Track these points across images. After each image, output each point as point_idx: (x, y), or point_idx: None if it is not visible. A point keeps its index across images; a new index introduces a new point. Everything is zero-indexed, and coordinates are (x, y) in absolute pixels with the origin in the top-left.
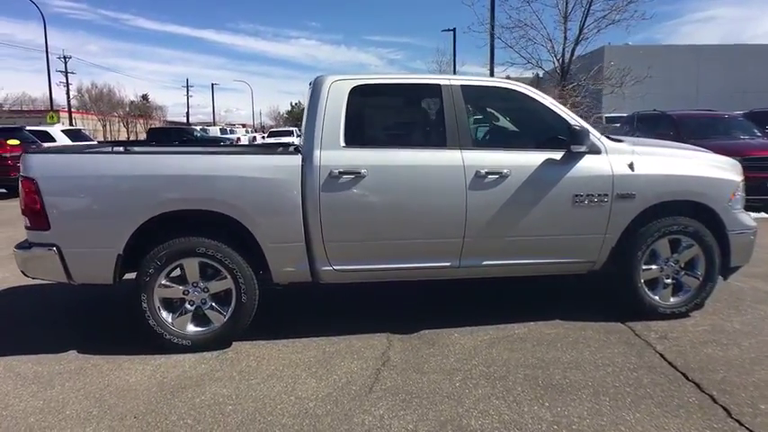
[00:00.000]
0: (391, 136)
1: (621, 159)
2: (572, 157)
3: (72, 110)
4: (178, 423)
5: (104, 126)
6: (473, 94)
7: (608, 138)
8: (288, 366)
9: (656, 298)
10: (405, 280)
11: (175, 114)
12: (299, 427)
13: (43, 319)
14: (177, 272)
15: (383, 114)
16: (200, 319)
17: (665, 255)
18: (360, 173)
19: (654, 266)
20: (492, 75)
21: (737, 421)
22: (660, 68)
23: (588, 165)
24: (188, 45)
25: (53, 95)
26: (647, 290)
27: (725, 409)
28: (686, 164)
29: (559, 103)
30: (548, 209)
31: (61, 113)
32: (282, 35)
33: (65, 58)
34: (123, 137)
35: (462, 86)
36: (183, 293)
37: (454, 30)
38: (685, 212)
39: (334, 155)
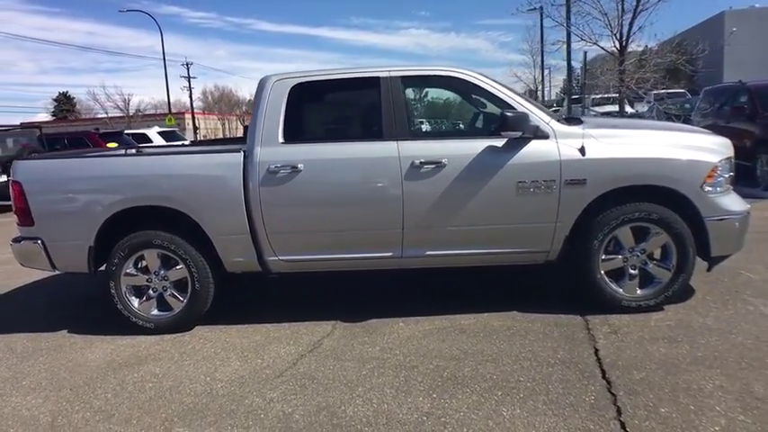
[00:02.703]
0: (330, 131)
1: (571, 143)
2: (515, 144)
3: (195, 111)
4: (100, 396)
5: (223, 125)
6: (414, 84)
7: (564, 120)
8: (226, 350)
9: (620, 290)
10: (352, 270)
11: None
12: (193, 405)
13: (54, 304)
14: (143, 262)
15: (323, 110)
16: (163, 304)
17: (629, 244)
18: (296, 167)
19: (618, 256)
20: (568, 52)
21: (621, 423)
22: None
23: (533, 150)
24: (305, 43)
25: (183, 99)
26: (608, 281)
27: (618, 409)
28: (646, 146)
29: (620, 79)
30: (490, 197)
31: (186, 115)
32: (392, 27)
33: (187, 64)
34: (240, 133)
35: (402, 77)
36: (147, 281)
37: (541, 8)
38: (656, 198)
39: (273, 151)
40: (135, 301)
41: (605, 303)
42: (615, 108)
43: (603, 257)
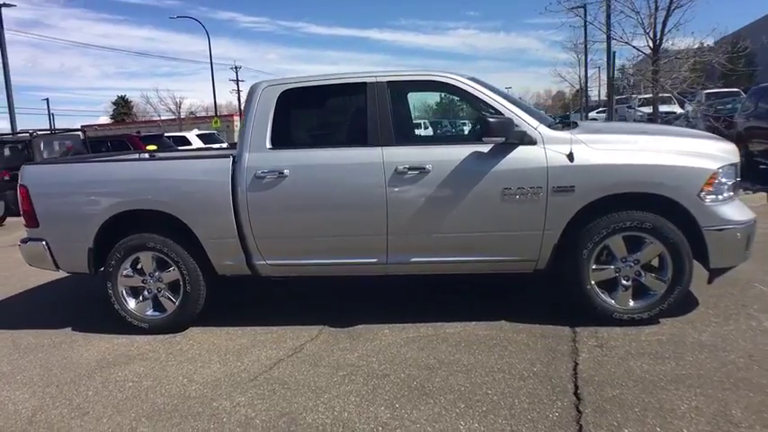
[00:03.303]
0: (316, 136)
1: (559, 149)
2: (501, 150)
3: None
4: (82, 393)
5: None
6: (401, 90)
7: (558, 125)
8: (210, 352)
9: (612, 302)
10: (339, 275)
11: None
12: (164, 406)
13: (66, 302)
14: (140, 264)
15: (310, 116)
16: (158, 305)
17: (622, 254)
18: (282, 173)
19: (610, 267)
20: (608, 49)
21: None
22: None
23: (519, 156)
24: (354, 45)
25: (234, 102)
26: (599, 292)
27: (580, 428)
28: (638, 152)
29: (653, 79)
30: (474, 204)
31: (234, 117)
32: (441, 27)
33: (236, 67)
34: None
35: (389, 82)
36: (143, 282)
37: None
38: (653, 207)
39: (260, 156)
40: (131, 302)
41: (596, 315)
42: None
43: (594, 267)
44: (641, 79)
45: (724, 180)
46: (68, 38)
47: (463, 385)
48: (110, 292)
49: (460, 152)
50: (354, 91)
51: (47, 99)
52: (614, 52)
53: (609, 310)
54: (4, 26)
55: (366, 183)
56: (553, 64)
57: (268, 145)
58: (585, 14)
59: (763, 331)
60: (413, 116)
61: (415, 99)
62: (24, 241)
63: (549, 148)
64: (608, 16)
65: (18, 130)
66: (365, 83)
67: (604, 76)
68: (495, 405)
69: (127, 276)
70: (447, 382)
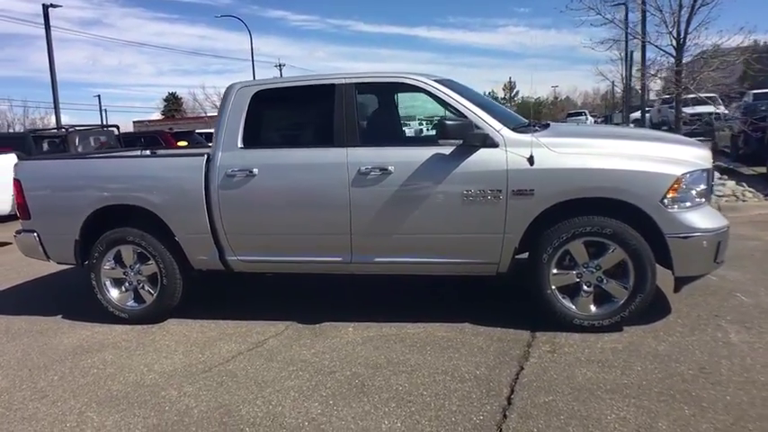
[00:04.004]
0: (286, 137)
1: (520, 152)
2: (462, 152)
3: None
4: (48, 377)
5: None
6: (368, 91)
7: (520, 128)
8: (178, 343)
9: (573, 307)
10: (307, 273)
11: None
12: (117, 393)
13: (66, 291)
14: (123, 257)
15: (281, 116)
16: (138, 297)
17: (583, 259)
18: (252, 172)
19: (572, 272)
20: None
21: None
22: None
23: (480, 159)
24: (402, 43)
25: None
26: (560, 297)
27: (499, 431)
28: (600, 156)
29: (676, 80)
30: (435, 206)
31: None
32: (489, 24)
33: (280, 65)
34: None
35: (356, 84)
36: (124, 274)
37: (626, 4)
38: (617, 212)
39: (232, 155)
40: (114, 293)
41: (556, 320)
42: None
43: (555, 272)
44: (664, 79)
45: (691, 186)
46: (126, 36)
47: (402, 385)
48: (93, 282)
49: (422, 154)
50: (324, 92)
51: (98, 95)
52: (632, 51)
53: (569, 316)
54: (67, 26)
55: (330, 183)
56: (599, 62)
57: (239, 144)
58: (626, 14)
59: (725, 344)
60: (376, 117)
61: (381, 100)
62: (19, 232)
63: (511, 151)
64: (626, 14)
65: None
66: (334, 84)
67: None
68: (424, 406)
69: (110, 268)
70: (388, 382)
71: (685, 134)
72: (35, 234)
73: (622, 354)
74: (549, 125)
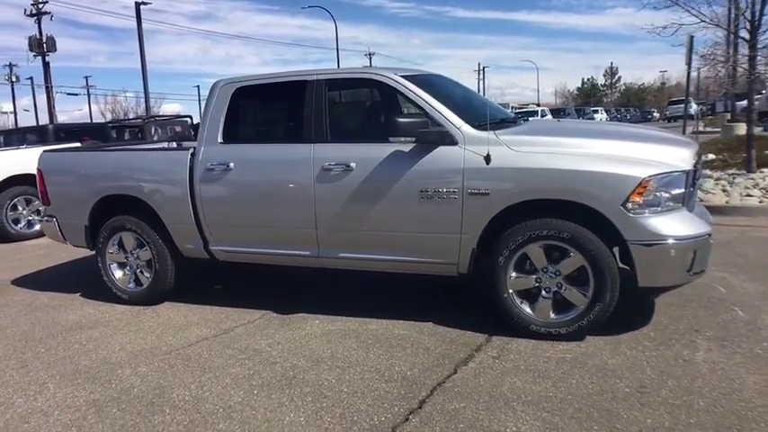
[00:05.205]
0: (261, 132)
1: (478, 150)
2: (421, 150)
3: None
4: (36, 349)
5: None
6: (338, 88)
7: (482, 125)
8: (160, 325)
9: (531, 313)
10: (280, 264)
11: None
12: (83, 368)
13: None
14: (124, 243)
15: (258, 112)
16: (137, 280)
17: (541, 264)
18: (228, 166)
19: (531, 276)
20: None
21: None
22: None
23: (437, 157)
24: (500, 28)
25: None
26: (518, 302)
27: None
28: (560, 156)
29: (750, 66)
30: (393, 203)
31: None
32: (596, 6)
33: (370, 54)
34: None
35: (326, 80)
36: (126, 259)
37: None
38: (581, 216)
39: (213, 150)
40: (118, 274)
41: (513, 325)
42: None
43: (514, 275)
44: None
45: (662, 189)
46: (234, 27)
47: (329, 381)
48: (99, 265)
49: (383, 151)
50: (297, 89)
51: (197, 86)
52: (691, 36)
53: (526, 322)
54: (178, 21)
55: (298, 178)
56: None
57: (220, 139)
58: None
59: (685, 362)
60: (345, 114)
61: (350, 97)
62: (43, 218)
63: (468, 149)
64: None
65: (140, 116)
66: (305, 81)
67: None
68: (336, 403)
69: (113, 253)
70: (318, 377)
71: None
72: (54, 219)
73: (566, 365)
74: (527, 120)
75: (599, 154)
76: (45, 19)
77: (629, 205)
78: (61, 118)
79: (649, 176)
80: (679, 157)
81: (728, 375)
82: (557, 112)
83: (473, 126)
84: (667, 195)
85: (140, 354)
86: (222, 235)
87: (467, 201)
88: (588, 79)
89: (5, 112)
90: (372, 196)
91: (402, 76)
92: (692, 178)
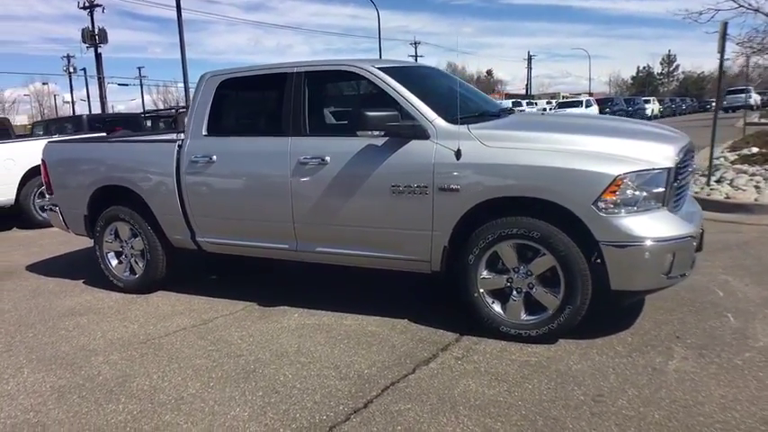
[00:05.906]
0: (243, 125)
1: (449, 145)
2: (393, 144)
3: None
4: (24, 334)
5: None
6: (317, 80)
7: (454, 119)
8: (146, 314)
9: (502, 314)
10: (264, 257)
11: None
12: (61, 355)
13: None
14: (119, 232)
15: (241, 105)
16: (131, 269)
17: (512, 263)
18: (211, 158)
19: (502, 276)
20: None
21: None
22: None
23: (409, 151)
24: (553, 15)
25: None
26: (488, 302)
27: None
28: (529, 152)
29: None
30: (367, 198)
31: None
32: None
33: (415, 43)
34: None
35: (306, 73)
36: (121, 248)
37: None
38: (554, 215)
39: (198, 143)
40: (114, 262)
41: (482, 325)
42: None
43: (485, 275)
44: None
45: (639, 188)
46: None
47: (285, 376)
48: (97, 254)
49: (357, 145)
50: (278, 82)
51: None
52: (726, 22)
53: (496, 322)
54: (231, 12)
55: (275, 172)
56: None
57: (204, 132)
58: None
59: (654, 371)
60: (324, 106)
61: (329, 89)
62: (48, 207)
63: (440, 144)
64: None
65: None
66: (286, 73)
67: None
68: (284, 399)
69: (110, 242)
70: (276, 372)
71: None
72: (57, 208)
73: (528, 369)
74: (512, 112)
75: (574, 150)
76: (97, 11)
77: (601, 204)
78: (118, 107)
79: (624, 174)
80: (661, 153)
81: (696, 387)
82: (604, 102)
83: (447, 120)
84: (645, 194)
85: (118, 342)
86: (207, 227)
87: (437, 197)
88: (644, 68)
89: (67, 102)
90: (346, 191)
91: (380, 68)
92: (674, 176)
